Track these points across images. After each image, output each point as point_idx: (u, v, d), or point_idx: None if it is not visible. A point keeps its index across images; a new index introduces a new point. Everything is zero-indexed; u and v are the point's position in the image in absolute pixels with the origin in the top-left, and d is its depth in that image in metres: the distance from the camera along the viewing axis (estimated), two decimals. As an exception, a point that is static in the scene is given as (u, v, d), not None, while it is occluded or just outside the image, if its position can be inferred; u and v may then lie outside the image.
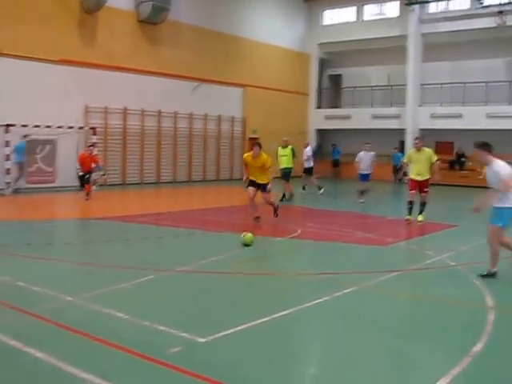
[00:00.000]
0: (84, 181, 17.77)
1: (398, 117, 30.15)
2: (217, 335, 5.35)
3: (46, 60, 20.67)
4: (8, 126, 18.85)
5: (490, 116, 27.08)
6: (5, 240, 10.31)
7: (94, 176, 18.15)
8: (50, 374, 4.50)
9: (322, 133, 34.06)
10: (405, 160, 14.69)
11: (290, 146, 18.20)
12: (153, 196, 21.37)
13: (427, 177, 13.46)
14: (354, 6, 32.48)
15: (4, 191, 18.67)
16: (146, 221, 13.28)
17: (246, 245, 9.89)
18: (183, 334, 5.32)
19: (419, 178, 13.43)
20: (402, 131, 29.53)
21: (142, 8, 23.90)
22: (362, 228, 13.13)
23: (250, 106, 29.76)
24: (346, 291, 7.19)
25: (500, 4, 26.50)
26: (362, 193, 18.07)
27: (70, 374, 4.42)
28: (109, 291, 6.97)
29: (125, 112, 23.77)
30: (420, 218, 13.50)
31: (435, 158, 13.59)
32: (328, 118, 33.09)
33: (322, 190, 20.12)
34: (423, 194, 13.53)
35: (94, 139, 21.37)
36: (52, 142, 20.77)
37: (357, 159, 18.38)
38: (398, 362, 5.05)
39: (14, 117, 19.02)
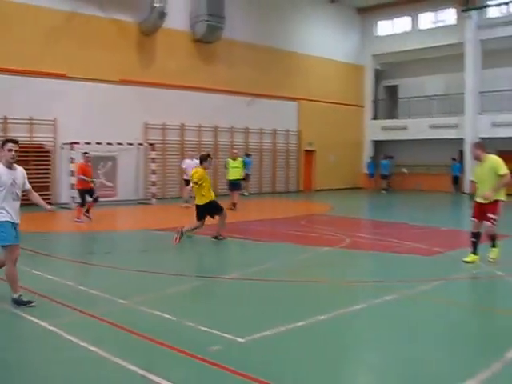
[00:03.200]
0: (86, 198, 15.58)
1: (456, 126, 29.49)
2: (255, 336, 5.65)
3: (107, 81, 21.71)
4: (73, 143, 19.61)
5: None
6: (72, 249, 10.94)
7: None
8: (100, 364, 4.95)
9: (377, 144, 33.98)
10: (472, 178, 10.20)
11: (240, 159, 20.09)
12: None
13: (495, 198, 9.35)
14: (409, 15, 32.17)
15: (70, 205, 19.47)
16: (202, 231, 13.65)
17: None
18: (224, 335, 5.64)
19: (482, 201, 9.47)
20: (460, 141, 28.83)
21: (197, 28, 24.65)
22: (411, 238, 12.95)
23: (304, 119, 30.06)
24: (386, 298, 7.35)
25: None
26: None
27: (120, 365, 4.87)
28: (159, 295, 7.39)
29: (182, 128, 24.47)
30: (492, 254, 9.68)
31: (502, 169, 9.28)
32: (384, 128, 32.98)
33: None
34: (487, 223, 9.43)
35: (153, 155, 22.10)
36: (113, 159, 21.66)
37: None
38: (420, 370, 5.03)
39: (79, 135, 19.86)
